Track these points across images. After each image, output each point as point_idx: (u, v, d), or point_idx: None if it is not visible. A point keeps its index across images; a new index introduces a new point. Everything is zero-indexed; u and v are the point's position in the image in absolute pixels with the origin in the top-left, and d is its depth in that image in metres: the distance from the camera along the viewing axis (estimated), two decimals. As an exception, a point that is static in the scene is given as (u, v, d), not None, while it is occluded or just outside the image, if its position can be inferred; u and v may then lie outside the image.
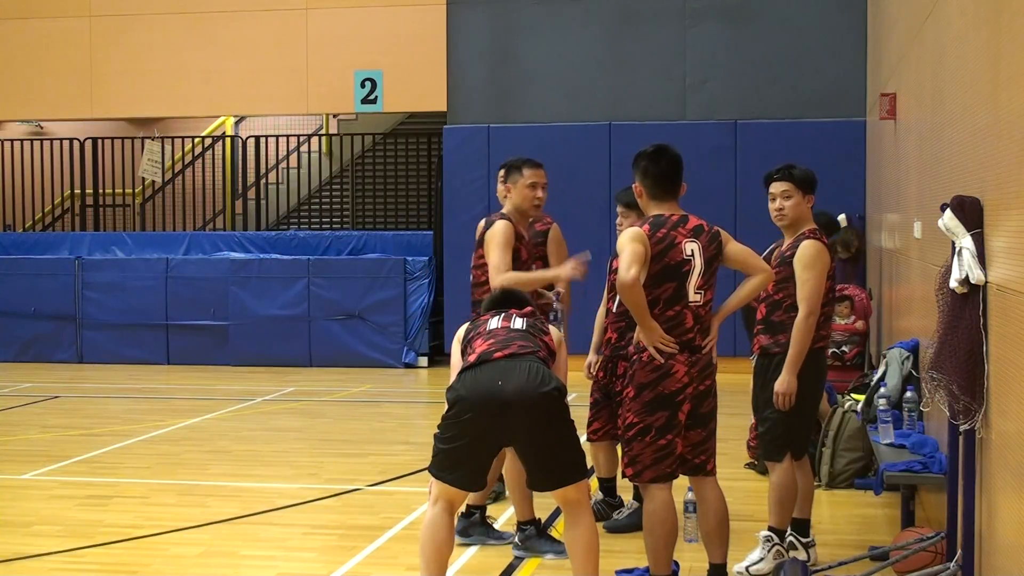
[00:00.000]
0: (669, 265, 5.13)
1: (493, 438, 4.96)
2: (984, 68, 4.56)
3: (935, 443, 6.07)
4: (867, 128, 13.11)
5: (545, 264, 7.15)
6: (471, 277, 6.49)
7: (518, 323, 5.17)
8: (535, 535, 6.26)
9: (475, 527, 6.45)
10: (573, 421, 5.02)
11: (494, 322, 5.20)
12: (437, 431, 4.99)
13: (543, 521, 6.37)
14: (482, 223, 6.59)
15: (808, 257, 5.80)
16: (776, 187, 5.98)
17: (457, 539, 6.18)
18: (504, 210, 6.53)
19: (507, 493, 7.39)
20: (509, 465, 6.25)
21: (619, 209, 6.82)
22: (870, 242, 11.93)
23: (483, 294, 6.27)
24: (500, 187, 6.94)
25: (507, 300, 5.47)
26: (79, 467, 8.76)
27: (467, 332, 5.25)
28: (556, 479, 4.96)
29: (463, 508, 6.33)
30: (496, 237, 6.28)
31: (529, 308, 5.38)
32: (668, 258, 5.12)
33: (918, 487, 6.24)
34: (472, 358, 4.96)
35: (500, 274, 6.18)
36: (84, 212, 17.02)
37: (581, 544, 4.96)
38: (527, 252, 6.76)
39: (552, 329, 5.33)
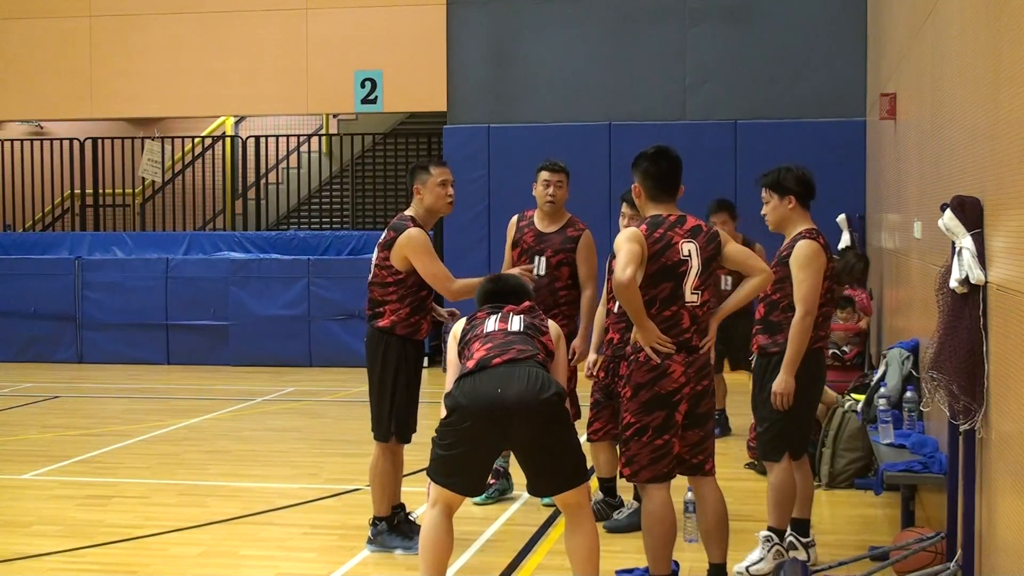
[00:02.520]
0: (666, 265, 5.12)
1: (492, 444, 4.94)
2: (984, 68, 4.56)
3: (935, 443, 6.07)
4: (867, 128, 13.11)
5: (572, 269, 7.16)
6: (373, 276, 6.36)
7: (516, 324, 5.14)
8: (386, 531, 6.32)
9: (383, 534, 6.39)
10: (573, 425, 5.01)
11: (491, 323, 5.16)
12: (435, 436, 4.97)
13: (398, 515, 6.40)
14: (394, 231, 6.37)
15: (804, 257, 5.80)
16: (761, 193, 6.06)
17: (368, 547, 6.32)
18: (411, 213, 6.39)
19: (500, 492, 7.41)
20: (375, 460, 6.33)
21: (626, 210, 6.81)
22: (870, 242, 11.93)
23: (384, 295, 6.27)
24: (537, 187, 7.27)
25: (503, 293, 5.40)
26: (79, 467, 8.75)
27: (464, 331, 5.20)
28: (557, 484, 4.95)
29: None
30: (419, 246, 6.21)
31: (527, 304, 5.35)
32: (665, 258, 5.12)
33: (918, 487, 6.24)
34: (470, 364, 4.93)
35: (449, 281, 6.21)
36: (84, 212, 17.03)
37: (582, 549, 4.95)
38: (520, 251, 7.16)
39: (551, 325, 5.30)
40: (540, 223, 7.29)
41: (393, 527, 6.34)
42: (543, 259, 7.16)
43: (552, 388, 4.82)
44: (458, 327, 5.27)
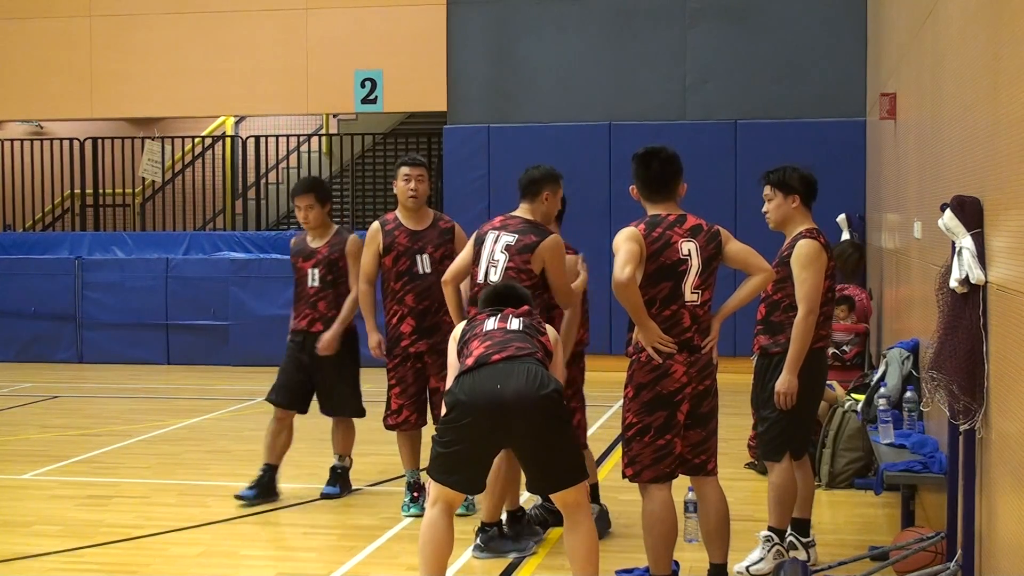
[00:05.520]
0: (665, 264, 5.13)
1: (492, 441, 4.95)
2: (984, 68, 4.56)
3: (935, 443, 6.07)
4: (867, 128, 13.11)
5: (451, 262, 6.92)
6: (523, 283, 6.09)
7: (515, 324, 5.15)
8: (497, 536, 6.25)
9: (494, 540, 6.31)
10: (572, 422, 5.01)
11: (490, 323, 5.17)
12: (435, 434, 4.99)
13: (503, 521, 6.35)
14: (507, 233, 6.16)
15: (805, 256, 5.80)
16: (763, 191, 6.05)
17: (479, 554, 6.20)
18: (532, 217, 6.20)
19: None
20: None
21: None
22: (870, 242, 11.93)
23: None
24: (398, 184, 7.19)
25: (503, 297, 5.43)
26: (79, 467, 8.76)
27: (463, 332, 5.22)
28: (555, 482, 4.95)
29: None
30: (561, 255, 6.13)
31: (526, 307, 5.36)
32: (664, 257, 5.13)
33: (918, 487, 6.24)
34: (469, 361, 4.94)
35: (576, 294, 6.27)
36: (84, 212, 17.02)
37: (581, 548, 4.96)
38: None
39: (549, 328, 5.32)
40: (409, 223, 7.23)
41: (503, 533, 6.28)
42: (425, 256, 7.14)
43: (551, 384, 4.83)
44: (458, 329, 5.30)
